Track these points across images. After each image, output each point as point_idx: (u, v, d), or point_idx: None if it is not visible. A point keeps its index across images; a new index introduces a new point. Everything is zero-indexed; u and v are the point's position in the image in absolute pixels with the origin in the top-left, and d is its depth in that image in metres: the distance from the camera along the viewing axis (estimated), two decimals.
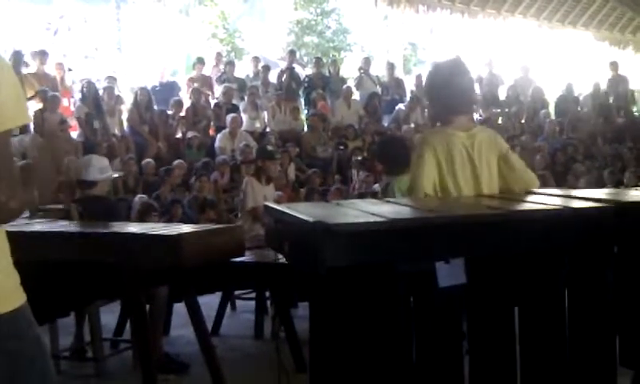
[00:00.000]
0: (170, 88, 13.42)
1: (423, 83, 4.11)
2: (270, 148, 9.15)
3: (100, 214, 5.37)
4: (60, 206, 6.34)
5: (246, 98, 13.18)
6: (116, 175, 7.46)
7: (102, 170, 5.70)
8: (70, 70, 13.60)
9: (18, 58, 11.10)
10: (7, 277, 2.07)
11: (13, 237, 2.12)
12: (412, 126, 13.13)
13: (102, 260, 4.22)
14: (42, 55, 12.35)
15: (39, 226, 4.74)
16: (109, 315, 5.90)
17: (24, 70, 11.63)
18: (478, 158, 3.53)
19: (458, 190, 3.44)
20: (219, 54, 15.65)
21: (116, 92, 12.54)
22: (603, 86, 16.07)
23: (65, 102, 12.12)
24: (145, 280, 4.39)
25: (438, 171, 3.48)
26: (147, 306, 5.08)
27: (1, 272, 2.04)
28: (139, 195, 9.06)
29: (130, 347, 5.56)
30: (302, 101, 14.36)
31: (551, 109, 15.56)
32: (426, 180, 3.45)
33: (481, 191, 3.46)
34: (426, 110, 13.15)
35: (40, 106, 11.06)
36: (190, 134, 11.96)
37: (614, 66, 16.00)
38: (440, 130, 3.62)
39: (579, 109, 15.33)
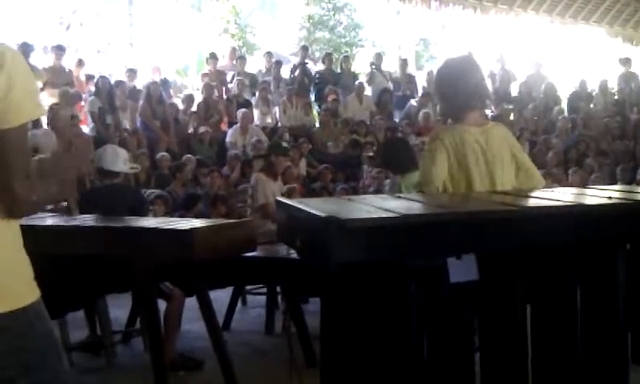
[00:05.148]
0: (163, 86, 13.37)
1: (434, 79, 4.08)
2: (284, 144, 9.14)
3: (124, 202, 5.46)
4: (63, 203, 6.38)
5: (257, 93, 13.19)
6: (137, 168, 7.55)
7: (125, 161, 5.85)
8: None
9: (25, 50, 11.03)
10: (20, 273, 2.08)
11: (25, 231, 2.13)
12: (422, 122, 13.11)
13: (113, 254, 4.24)
14: (59, 50, 12.39)
15: (50, 220, 4.75)
16: (118, 309, 5.94)
17: (37, 63, 11.68)
18: (492, 154, 3.53)
19: (472, 186, 3.44)
20: (234, 49, 15.65)
21: (133, 84, 12.59)
22: (613, 83, 16.01)
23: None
24: (156, 274, 4.40)
25: (450, 167, 3.48)
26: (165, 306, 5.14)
27: (13, 268, 2.05)
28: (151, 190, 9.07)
29: (138, 334, 5.62)
30: (313, 96, 14.34)
31: (564, 105, 15.52)
32: (436, 176, 3.45)
33: (494, 187, 3.46)
34: (437, 107, 13.13)
35: (54, 100, 11.09)
36: (201, 129, 11.97)
37: (625, 62, 15.92)
38: (452, 127, 3.62)
39: (592, 105, 15.28)
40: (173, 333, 5.09)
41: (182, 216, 7.11)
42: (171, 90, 14.41)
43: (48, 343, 2.12)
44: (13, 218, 2.05)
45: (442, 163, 3.47)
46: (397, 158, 5.89)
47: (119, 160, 5.77)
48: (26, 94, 1.99)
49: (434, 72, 4.44)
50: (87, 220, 4.76)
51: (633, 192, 3.22)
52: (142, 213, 5.73)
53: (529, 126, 13.92)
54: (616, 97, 15.80)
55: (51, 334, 2.14)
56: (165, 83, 13.71)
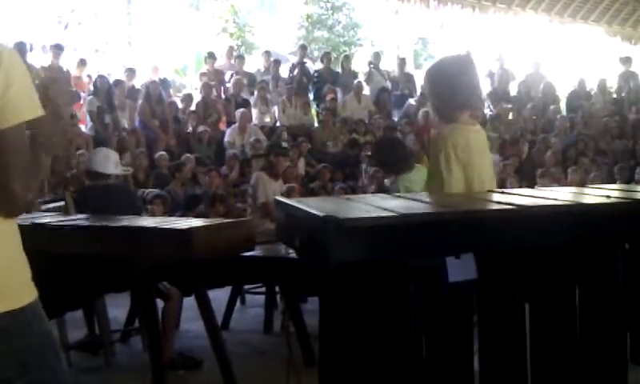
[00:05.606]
0: (162, 86, 13.38)
1: (427, 78, 4.01)
2: (283, 144, 9.17)
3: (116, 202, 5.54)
4: (61, 203, 6.43)
5: (256, 92, 13.18)
6: (128, 171, 7.62)
7: (116, 164, 5.95)
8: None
9: (21, 48, 10.99)
10: (18, 273, 2.08)
11: (23, 230, 2.12)
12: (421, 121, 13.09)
13: (112, 254, 4.23)
14: (57, 49, 12.38)
15: (49, 219, 4.75)
16: (117, 309, 5.93)
17: (35, 62, 11.67)
18: (488, 154, 3.55)
19: (482, 183, 3.44)
20: (231, 48, 15.66)
21: (132, 83, 12.60)
22: (611, 82, 16.00)
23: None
24: (155, 274, 4.40)
25: (463, 167, 3.48)
26: (162, 306, 5.14)
27: (11, 268, 2.05)
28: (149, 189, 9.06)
29: (137, 333, 5.61)
30: (312, 96, 14.32)
31: (562, 104, 15.51)
32: (455, 179, 3.44)
33: (490, 186, 3.46)
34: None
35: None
36: (200, 129, 11.97)
37: (626, 60, 15.89)
38: (455, 128, 3.60)
39: (591, 104, 15.26)
40: (171, 332, 5.09)
41: (183, 216, 7.12)
42: (171, 90, 14.40)
43: (46, 342, 2.11)
44: (9, 217, 2.05)
45: (457, 171, 3.46)
46: (391, 158, 5.87)
47: (110, 163, 5.85)
48: (23, 93, 1.98)
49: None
50: (86, 220, 4.76)
51: (631, 191, 3.22)
52: (139, 212, 5.78)
53: (527, 126, 13.91)
54: (614, 96, 15.80)
55: (49, 333, 2.14)
56: (164, 83, 13.71)
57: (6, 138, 1.95)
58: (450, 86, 3.60)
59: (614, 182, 10.34)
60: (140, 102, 12.08)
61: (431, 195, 3.32)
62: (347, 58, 15.82)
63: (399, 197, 3.09)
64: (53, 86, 2.19)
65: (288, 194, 7.90)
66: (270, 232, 5.85)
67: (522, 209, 2.58)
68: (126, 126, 11.81)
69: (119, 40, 23.09)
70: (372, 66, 14.79)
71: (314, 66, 15.75)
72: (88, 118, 11.76)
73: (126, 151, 10.26)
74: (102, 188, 5.74)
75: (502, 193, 3.21)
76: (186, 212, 7.71)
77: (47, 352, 2.11)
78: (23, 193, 2.00)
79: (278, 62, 14.56)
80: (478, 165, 3.49)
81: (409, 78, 15.27)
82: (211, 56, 14.07)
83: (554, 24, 15.88)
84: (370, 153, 11.34)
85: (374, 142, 11.72)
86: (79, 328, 5.59)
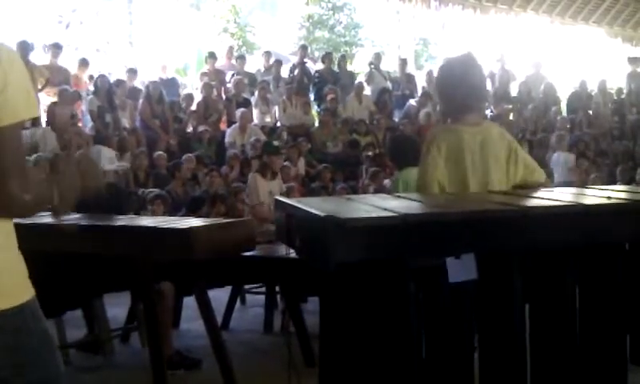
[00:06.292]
0: (170, 85, 13.41)
1: (434, 79, 4.06)
2: (275, 143, 9.17)
3: (108, 202, 5.49)
4: None
5: (256, 92, 13.19)
6: (124, 165, 7.58)
7: (111, 160, 5.89)
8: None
9: (24, 47, 10.99)
10: (14, 272, 2.06)
11: (23, 229, 2.11)
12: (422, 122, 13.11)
13: (113, 253, 4.23)
14: (56, 48, 12.39)
15: (49, 218, 4.74)
16: (116, 308, 5.93)
17: (36, 62, 11.68)
18: (487, 153, 3.52)
19: (467, 185, 3.44)
20: (231, 48, 15.68)
21: (134, 84, 12.61)
22: (612, 83, 16.00)
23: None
24: (156, 273, 4.40)
25: (447, 168, 3.47)
26: None
27: (7, 267, 2.04)
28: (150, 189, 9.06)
29: (135, 330, 5.61)
30: (312, 96, 14.33)
31: (563, 105, 15.51)
32: (432, 179, 3.44)
33: (490, 187, 3.45)
34: (437, 106, 13.12)
35: (53, 99, 11.08)
36: (200, 128, 11.97)
37: (634, 61, 15.84)
38: (450, 127, 3.62)
39: (593, 105, 15.25)
40: (168, 328, 5.08)
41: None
42: (180, 89, 14.40)
43: (43, 342, 2.10)
44: (6, 217, 2.03)
45: (437, 167, 3.46)
46: (399, 149, 6.01)
47: (101, 159, 5.79)
48: (21, 92, 1.97)
49: (434, 72, 4.45)
50: (85, 218, 4.76)
51: (632, 192, 3.22)
52: (128, 212, 5.74)
53: (528, 126, 13.91)
54: (615, 97, 15.80)
55: (46, 332, 2.12)
56: (172, 82, 13.74)
57: (3, 136, 1.94)
58: (455, 87, 3.60)
59: (615, 183, 10.34)
60: (141, 101, 12.08)
61: (432, 196, 3.32)
62: (344, 58, 15.83)
63: (399, 197, 3.09)
64: (91, 168, 2.23)
65: (288, 194, 7.90)
66: (271, 232, 5.86)
67: (522, 209, 2.58)
68: (127, 125, 11.80)
69: (120, 40, 23.08)
70: (373, 66, 14.80)
71: (314, 67, 15.76)
72: (88, 117, 11.75)
73: (126, 151, 10.25)
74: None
75: (503, 193, 3.20)
76: (188, 213, 7.70)
77: (44, 352, 2.10)
78: (20, 193, 1.97)
79: (278, 62, 14.57)
80: (463, 165, 3.48)
81: (410, 79, 15.28)
82: (212, 56, 14.07)
83: (555, 25, 15.91)
84: (370, 153, 11.39)
85: (379, 141, 11.79)
86: (78, 327, 5.59)
